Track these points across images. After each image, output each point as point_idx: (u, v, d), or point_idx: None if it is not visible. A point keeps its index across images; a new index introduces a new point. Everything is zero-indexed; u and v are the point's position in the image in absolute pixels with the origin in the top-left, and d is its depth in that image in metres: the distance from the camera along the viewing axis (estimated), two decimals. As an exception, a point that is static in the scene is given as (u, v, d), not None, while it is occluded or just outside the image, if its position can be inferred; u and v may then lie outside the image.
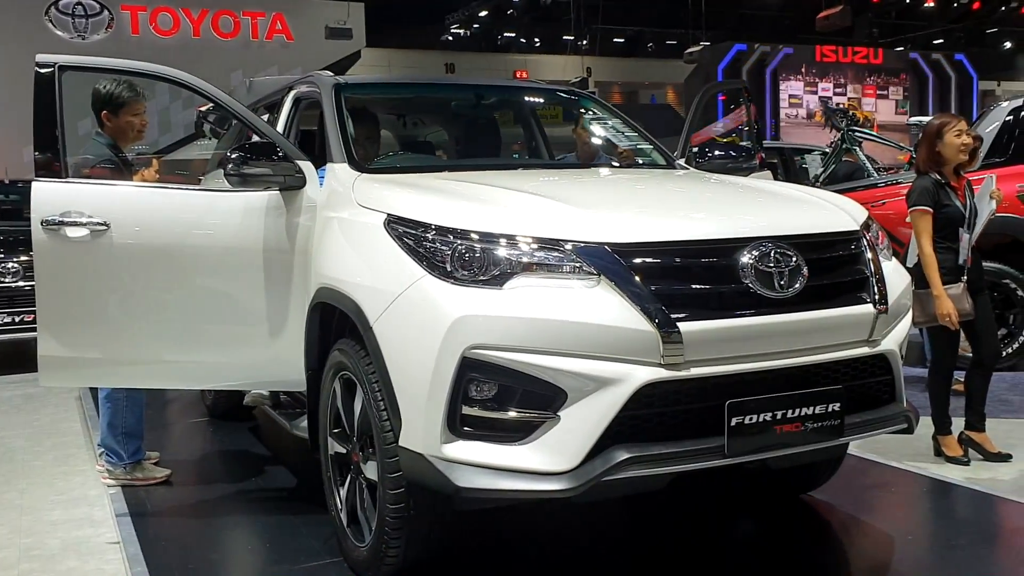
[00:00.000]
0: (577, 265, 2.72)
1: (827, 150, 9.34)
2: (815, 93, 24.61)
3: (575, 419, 2.64)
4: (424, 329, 2.76)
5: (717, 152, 4.53)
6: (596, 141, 5.04)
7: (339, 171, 3.65)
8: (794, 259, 2.83)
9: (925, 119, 9.23)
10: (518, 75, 24.94)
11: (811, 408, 2.81)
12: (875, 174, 8.39)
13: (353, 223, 3.31)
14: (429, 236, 2.87)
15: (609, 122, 4.87)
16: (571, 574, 3.30)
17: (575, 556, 3.45)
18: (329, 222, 3.50)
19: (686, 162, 4.45)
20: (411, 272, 2.86)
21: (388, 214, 3.08)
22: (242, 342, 3.81)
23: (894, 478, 4.24)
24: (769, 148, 9.39)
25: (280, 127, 4.38)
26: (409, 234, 2.94)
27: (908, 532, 3.70)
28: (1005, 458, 4.34)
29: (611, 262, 2.71)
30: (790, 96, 24.56)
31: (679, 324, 2.65)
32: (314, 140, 4.52)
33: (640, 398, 2.64)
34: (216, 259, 3.73)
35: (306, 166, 3.69)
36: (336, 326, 3.40)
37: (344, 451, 3.38)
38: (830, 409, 2.84)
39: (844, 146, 8.55)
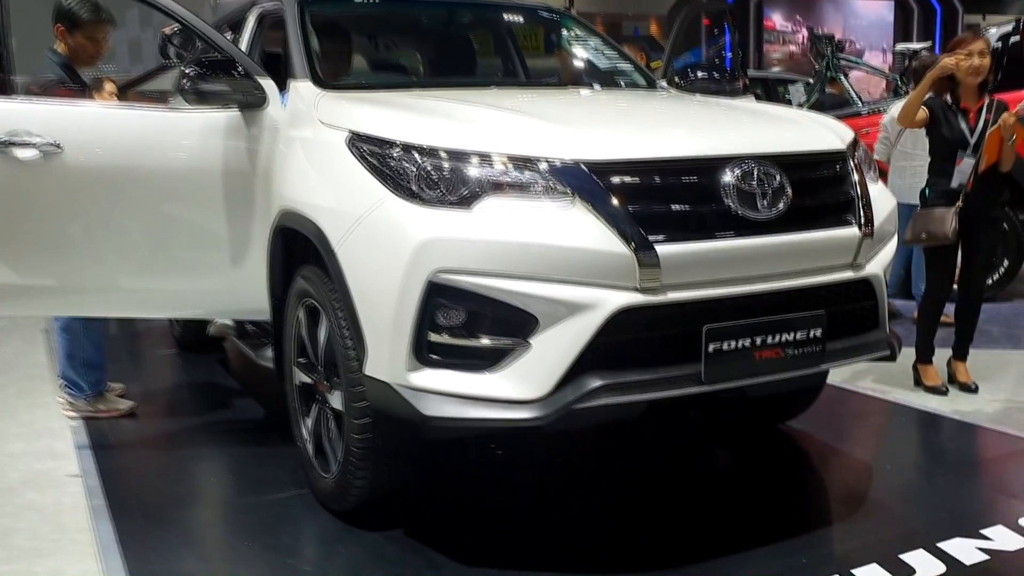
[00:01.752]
0: (550, 185, 2.58)
1: (811, 81, 9.15)
2: (799, 26, 24.22)
3: (546, 346, 2.52)
4: (388, 253, 2.62)
5: (700, 74, 4.35)
6: (576, 63, 4.84)
7: (302, 88, 3.46)
8: (778, 179, 2.70)
9: (913, 46, 9.06)
10: (498, 4, 24.30)
11: (792, 334, 2.71)
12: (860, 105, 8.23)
13: (315, 142, 3.14)
14: (394, 154, 2.71)
15: (590, 42, 4.67)
16: (541, 507, 3.22)
17: (545, 488, 3.38)
18: (291, 142, 3.32)
19: (668, 84, 4.29)
20: (375, 193, 2.70)
21: (351, 131, 2.92)
22: (202, 269, 3.66)
23: (874, 408, 4.19)
24: (752, 78, 9.18)
25: (243, 46, 4.16)
26: (373, 152, 2.77)
27: (887, 462, 3.65)
28: (970, 389, 4.30)
29: (586, 181, 2.56)
30: (776, 28, 24.15)
31: (656, 247, 2.53)
32: (280, 62, 4.30)
33: (614, 324, 2.53)
34: (174, 182, 3.56)
35: (267, 84, 3.50)
36: (300, 252, 3.25)
37: (310, 381, 3.27)
38: (811, 335, 2.74)
39: (828, 74, 8.36)
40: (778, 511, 3.12)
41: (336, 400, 3.00)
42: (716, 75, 4.33)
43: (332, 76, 3.73)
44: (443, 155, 2.63)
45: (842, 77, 8.36)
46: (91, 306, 3.76)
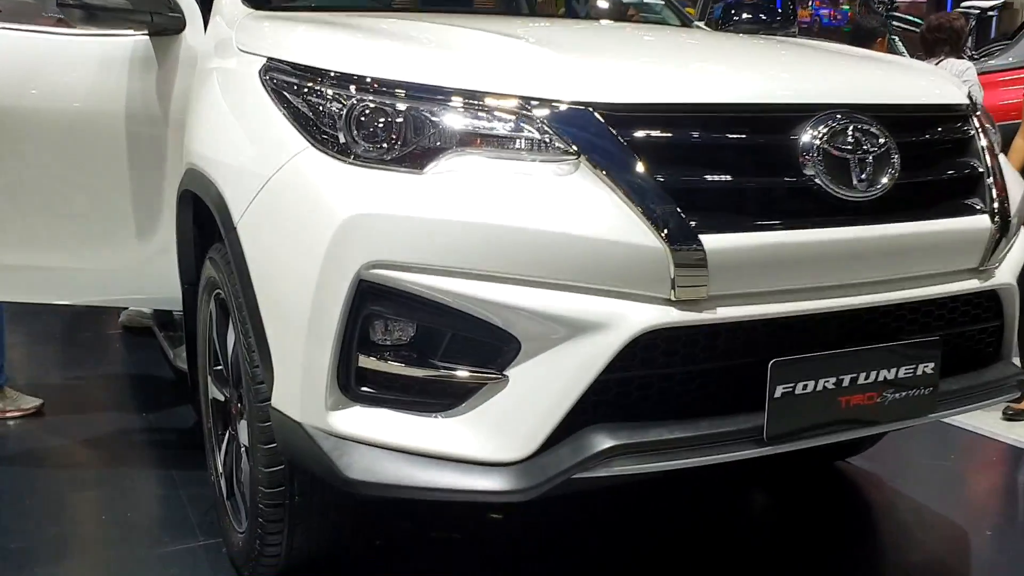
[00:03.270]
0: (545, 138, 1.71)
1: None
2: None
3: (532, 382, 1.67)
4: (300, 233, 1.78)
5: (745, 15, 3.45)
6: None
7: (226, 6, 2.59)
8: (882, 140, 1.83)
9: (982, 3, 8.09)
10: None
11: (894, 370, 1.84)
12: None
13: (229, 76, 2.29)
14: (316, 88, 1.85)
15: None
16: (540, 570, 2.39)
17: (546, 546, 2.53)
18: (207, 77, 2.46)
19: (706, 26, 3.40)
20: (287, 144, 1.85)
21: (267, 58, 2.06)
22: (101, 244, 2.84)
23: (960, 442, 3.32)
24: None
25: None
26: (289, 86, 1.92)
27: (979, 520, 2.79)
28: None
29: (599, 135, 1.70)
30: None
31: (702, 237, 1.66)
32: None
33: (635, 353, 1.68)
34: (62, 128, 2.74)
35: (186, 2, 2.64)
36: (214, 225, 2.40)
37: (223, 399, 2.44)
38: (920, 371, 1.88)
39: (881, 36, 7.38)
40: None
41: (244, 434, 2.18)
42: (765, 16, 3.43)
43: (276, -6, 2.86)
44: (384, 89, 1.76)
45: (896, 40, 7.39)
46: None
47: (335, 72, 1.86)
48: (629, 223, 1.65)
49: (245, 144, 2.04)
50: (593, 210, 1.66)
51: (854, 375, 1.80)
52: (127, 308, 3.73)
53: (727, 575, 2.38)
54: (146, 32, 2.68)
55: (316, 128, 1.81)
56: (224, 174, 2.09)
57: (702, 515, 2.72)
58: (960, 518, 2.77)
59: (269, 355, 1.89)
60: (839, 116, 1.81)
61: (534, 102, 1.72)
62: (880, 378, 1.83)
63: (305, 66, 1.92)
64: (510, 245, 1.65)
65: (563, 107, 1.71)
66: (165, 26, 2.65)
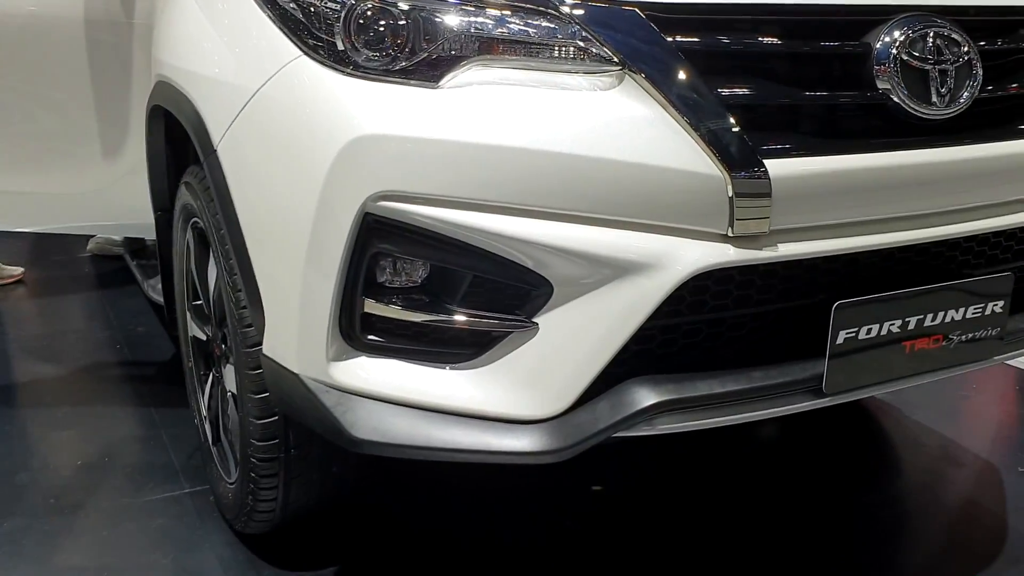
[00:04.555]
0: (582, 45, 1.46)
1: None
2: None
3: (565, 331, 1.46)
4: (294, 158, 1.53)
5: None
6: None
7: None
8: (964, 48, 1.59)
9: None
10: None
11: (962, 310, 1.65)
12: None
13: (203, -28, 1.98)
14: (311, -14, 1.57)
15: None
16: (555, 538, 2.23)
17: (561, 509, 2.37)
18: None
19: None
20: (275, 52, 1.58)
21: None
22: (62, 165, 2.57)
23: (979, 372, 3.17)
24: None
25: None
26: (278, -17, 1.63)
27: (1010, 455, 2.66)
28: None
29: (647, 41, 1.44)
30: None
31: (767, 163, 1.43)
32: None
33: (684, 297, 1.47)
34: (14, 36, 2.43)
35: None
36: (190, 145, 2.13)
37: (204, 338, 2.22)
38: (989, 310, 1.68)
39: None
40: (849, 529, 2.15)
41: (230, 377, 1.96)
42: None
43: None
44: (394, -13, 1.49)
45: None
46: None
47: (327, -35, 1.58)
48: (682, 145, 1.41)
49: (224, 53, 1.76)
50: (639, 130, 1.42)
51: (920, 317, 1.60)
52: (95, 235, 3.45)
53: (744, 519, 2.22)
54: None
55: (308, 33, 1.54)
56: (200, 88, 1.82)
57: (712, 452, 2.56)
58: (990, 454, 2.64)
59: (259, 297, 1.66)
60: (919, 19, 1.56)
61: (569, 1, 1.46)
62: (948, 319, 1.63)
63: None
64: (541, 172, 1.41)
65: (604, 7, 1.45)
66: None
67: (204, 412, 2.27)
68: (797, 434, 2.70)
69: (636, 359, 1.49)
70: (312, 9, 1.54)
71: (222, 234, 1.77)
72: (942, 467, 2.57)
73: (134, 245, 3.14)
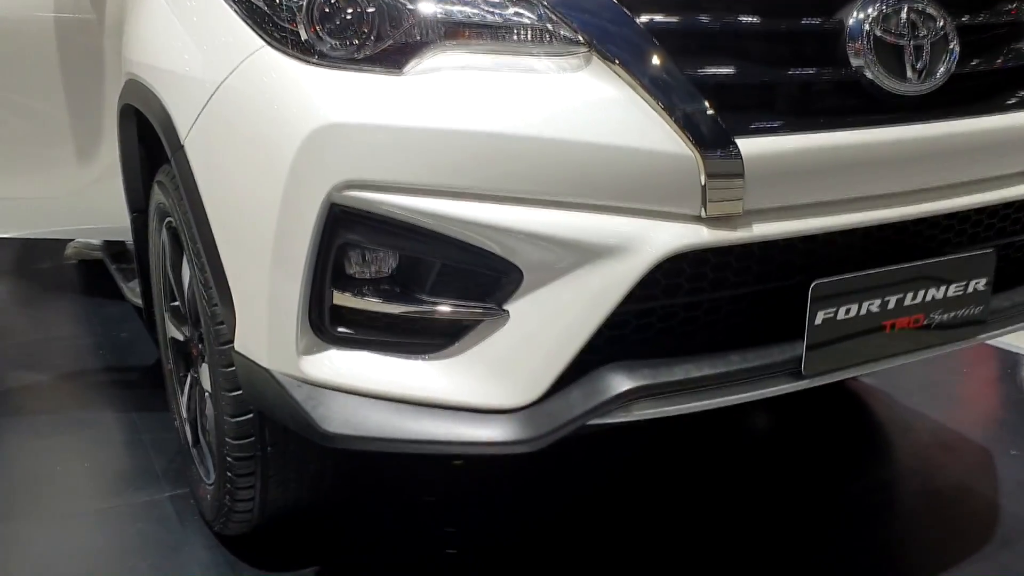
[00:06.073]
0: (548, 26, 1.43)
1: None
2: None
3: (536, 318, 1.43)
4: (258, 150, 1.50)
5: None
6: None
7: None
8: (939, 23, 1.56)
9: None
10: None
11: (943, 288, 1.63)
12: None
13: (169, -34, 1.96)
14: (272, -25, 1.54)
15: None
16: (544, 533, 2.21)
17: (539, 494, 2.34)
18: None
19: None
20: (239, 43, 1.56)
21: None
22: (36, 169, 2.54)
23: (972, 354, 3.15)
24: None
25: None
26: (238, -27, 1.60)
27: (1002, 440, 2.63)
28: None
29: (614, 19, 1.42)
30: None
31: (739, 141, 1.41)
32: None
33: (657, 280, 1.44)
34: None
35: None
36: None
37: (182, 339, 2.19)
38: (971, 288, 1.66)
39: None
40: (839, 515, 2.12)
41: (205, 378, 1.94)
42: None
43: None
44: (355, -27, 1.47)
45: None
46: None
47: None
48: (651, 126, 1.39)
49: (190, 47, 1.74)
50: (607, 111, 1.39)
51: (900, 296, 1.57)
52: (72, 240, 3.42)
53: (730, 509, 2.20)
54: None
55: (271, 23, 1.51)
56: (167, 83, 1.79)
57: (698, 438, 2.53)
58: (981, 438, 2.61)
59: (229, 292, 1.64)
60: (891, -5, 1.54)
61: (531, -17, 1.43)
62: (928, 298, 1.61)
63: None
64: (506, 156, 1.38)
65: (568, -13, 1.43)
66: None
67: (184, 414, 2.24)
68: (785, 420, 2.68)
69: (611, 345, 1.46)
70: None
71: (192, 231, 1.74)
72: (933, 451, 2.55)
73: (114, 249, 3.11)
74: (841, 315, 1.52)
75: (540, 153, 1.38)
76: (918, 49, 1.53)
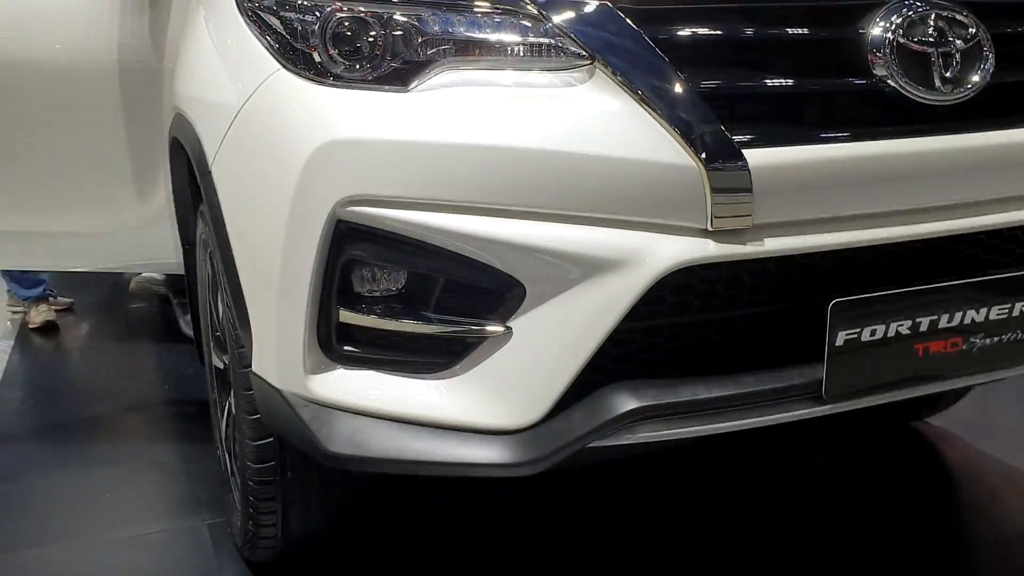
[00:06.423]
0: (552, 41, 1.42)
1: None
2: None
3: (539, 335, 1.40)
4: (270, 170, 1.52)
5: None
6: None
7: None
8: (973, 32, 1.49)
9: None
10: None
11: (983, 311, 1.52)
12: None
13: (211, 5, 2.04)
14: (286, 1, 1.58)
15: None
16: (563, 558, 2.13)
17: (566, 523, 2.27)
18: (194, 11, 2.22)
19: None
20: (257, 68, 1.59)
21: (245, -24, 1.80)
22: (98, 206, 2.64)
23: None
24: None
25: None
26: (264, 4, 1.65)
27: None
28: None
29: (619, 32, 1.40)
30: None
31: (746, 152, 1.36)
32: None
33: (664, 296, 1.39)
34: (52, 82, 2.52)
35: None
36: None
37: (222, 366, 2.22)
38: (1017, 311, 1.54)
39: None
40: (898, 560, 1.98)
41: (234, 403, 1.96)
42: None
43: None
44: (360, -7, 1.49)
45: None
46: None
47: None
48: (653, 136, 1.35)
49: (220, 75, 1.79)
50: (609, 123, 1.37)
51: (934, 317, 1.48)
52: (137, 275, 3.56)
53: (795, 558, 2.08)
54: (136, -31, 2.47)
55: (288, 47, 1.55)
56: (199, 112, 1.85)
57: (755, 483, 2.41)
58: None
59: (247, 314, 1.65)
60: (917, 3, 1.47)
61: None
62: (967, 320, 1.50)
63: (276, -23, 1.66)
64: (511, 170, 1.37)
65: (574, 2, 1.41)
66: (154, -39, 2.43)
67: (222, 442, 2.27)
68: (850, 463, 2.54)
69: (618, 365, 1.42)
70: (290, 22, 1.55)
71: (218, 254, 1.77)
72: (1009, 499, 2.37)
73: (177, 284, 3.21)
74: (866, 336, 1.43)
75: (543, 166, 1.36)
76: (946, 57, 1.46)
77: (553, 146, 1.36)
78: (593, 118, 1.38)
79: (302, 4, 1.56)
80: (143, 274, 3.47)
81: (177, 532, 2.28)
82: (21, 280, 3.76)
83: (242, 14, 1.72)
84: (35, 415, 3.16)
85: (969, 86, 1.47)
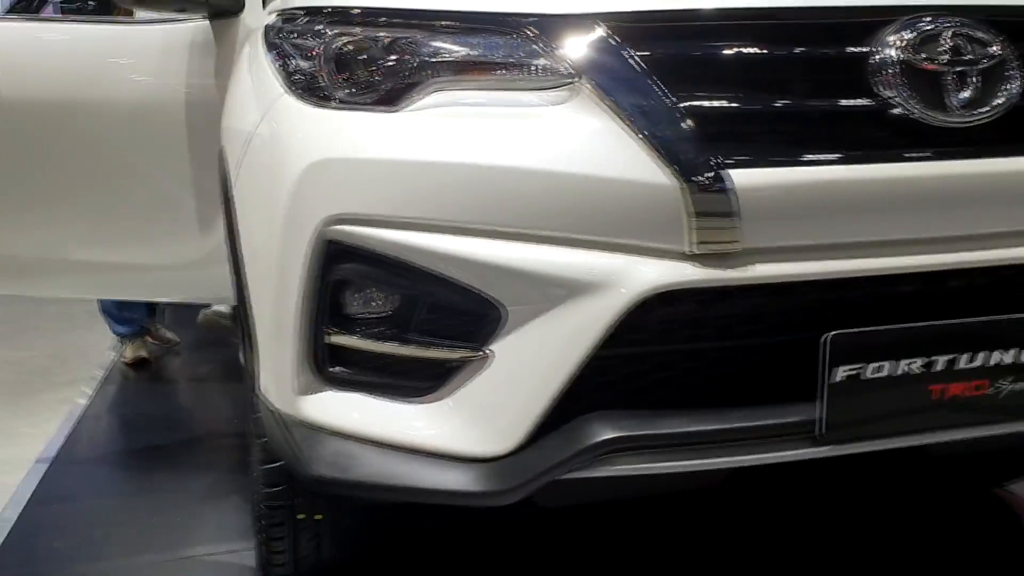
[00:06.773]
0: (539, 61, 1.40)
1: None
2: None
3: (518, 359, 1.36)
4: (267, 191, 1.56)
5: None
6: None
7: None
8: (995, 48, 1.39)
9: None
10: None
11: (1012, 351, 1.39)
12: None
13: (250, 42, 2.12)
14: (298, 27, 1.63)
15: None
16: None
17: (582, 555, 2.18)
18: (244, 46, 2.32)
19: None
20: (267, 94, 1.64)
21: (277, 13, 1.86)
22: (166, 238, 2.75)
23: None
24: None
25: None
26: (279, 32, 1.71)
27: None
28: None
29: (603, 52, 1.37)
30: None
31: (735, 173, 1.29)
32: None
33: (647, 322, 1.33)
34: (125, 120, 2.67)
35: (246, -21, 2.53)
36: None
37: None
38: (1052, 355, 1.40)
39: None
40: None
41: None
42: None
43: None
44: (356, 16, 1.52)
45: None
46: (26, 284, 2.93)
47: (303, 6, 1.65)
48: (632, 155, 1.30)
49: (245, 104, 1.85)
50: (590, 142, 1.33)
51: (952, 356, 1.36)
52: (206, 307, 3.69)
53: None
54: (205, 16, 2.60)
55: (293, 71, 1.59)
56: (228, 139, 1.92)
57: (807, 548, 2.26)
58: None
59: (252, 332, 1.68)
60: (933, 17, 1.38)
61: (527, 20, 1.41)
62: (992, 362, 1.38)
63: (290, 9, 1.71)
64: (487, 188, 1.35)
65: (556, 22, 1.39)
66: (223, 7, 2.54)
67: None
68: (917, 532, 2.35)
69: (600, 394, 1.36)
70: (296, 47, 1.60)
71: (234, 278, 1.81)
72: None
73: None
74: (869, 373, 1.33)
75: (523, 185, 1.34)
76: (962, 76, 1.36)
77: (533, 165, 1.34)
78: (575, 137, 1.35)
79: (307, 27, 1.60)
80: (212, 307, 3.58)
81: (212, 557, 2.31)
82: (115, 316, 3.93)
83: (263, 44, 1.78)
84: (106, 443, 3.29)
85: (988, 108, 1.36)
